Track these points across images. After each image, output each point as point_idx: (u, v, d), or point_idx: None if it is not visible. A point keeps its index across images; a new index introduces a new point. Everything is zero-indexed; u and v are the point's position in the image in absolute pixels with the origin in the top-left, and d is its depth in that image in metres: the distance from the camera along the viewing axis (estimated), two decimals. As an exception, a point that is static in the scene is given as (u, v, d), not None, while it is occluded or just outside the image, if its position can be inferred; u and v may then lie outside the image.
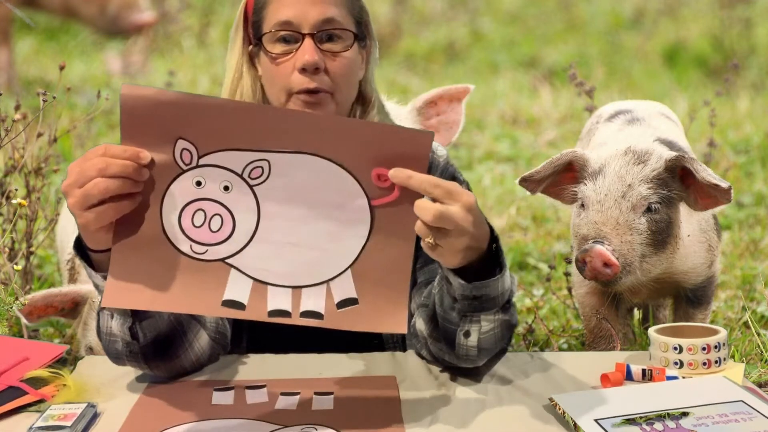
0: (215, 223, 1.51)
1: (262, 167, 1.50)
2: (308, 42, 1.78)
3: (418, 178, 1.48)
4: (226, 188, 1.50)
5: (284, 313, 1.52)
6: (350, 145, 1.49)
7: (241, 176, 1.50)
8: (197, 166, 1.49)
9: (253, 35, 1.85)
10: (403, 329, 1.53)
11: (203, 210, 1.50)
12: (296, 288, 1.52)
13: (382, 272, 1.52)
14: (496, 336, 1.68)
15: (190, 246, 1.51)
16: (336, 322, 1.52)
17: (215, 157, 1.49)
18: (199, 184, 1.50)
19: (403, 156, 1.49)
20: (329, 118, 1.65)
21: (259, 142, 1.49)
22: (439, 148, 1.96)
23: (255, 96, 1.87)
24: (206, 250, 1.51)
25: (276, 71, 1.81)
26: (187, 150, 1.49)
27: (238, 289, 1.51)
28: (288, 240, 1.51)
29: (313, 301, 1.52)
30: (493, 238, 1.59)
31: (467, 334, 1.66)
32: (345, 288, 1.52)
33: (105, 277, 1.57)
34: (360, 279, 1.52)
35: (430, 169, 1.92)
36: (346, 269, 1.52)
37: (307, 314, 1.52)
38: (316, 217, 1.51)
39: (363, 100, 1.91)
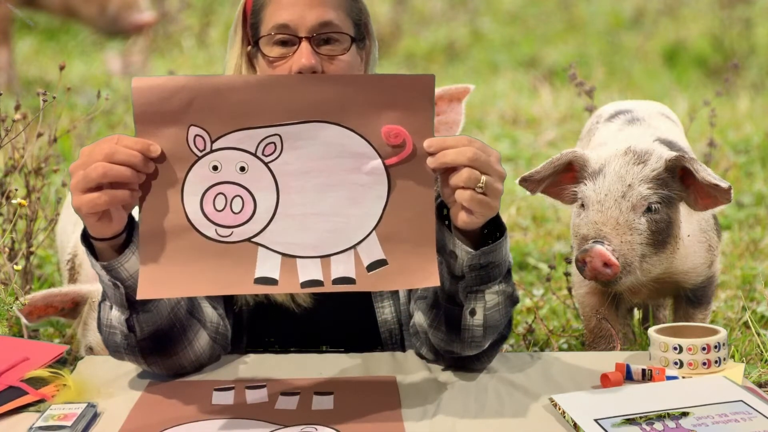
0: (236, 204, 1.52)
1: (274, 143, 1.52)
2: (305, 45, 1.77)
3: (452, 141, 1.52)
4: (242, 169, 1.52)
5: (317, 283, 1.53)
6: (356, 104, 1.51)
7: (255, 155, 1.52)
8: (212, 151, 1.52)
9: (251, 37, 1.85)
10: (435, 281, 1.54)
11: (223, 193, 1.52)
12: (325, 257, 1.53)
13: (406, 229, 1.53)
14: (500, 311, 1.69)
15: (215, 230, 1.53)
16: (368, 285, 1.54)
17: (228, 140, 1.51)
18: (215, 168, 1.52)
19: (409, 104, 1.51)
20: (332, 78, 1.65)
21: (268, 117, 1.51)
22: None
23: None
24: (231, 233, 1.53)
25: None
26: (200, 136, 1.51)
27: (267, 265, 1.53)
28: (310, 211, 1.53)
29: (343, 267, 1.53)
30: None
31: (473, 312, 1.67)
32: (372, 251, 1.53)
33: (104, 267, 1.59)
34: (386, 240, 1.53)
35: None
36: (371, 232, 1.53)
37: (339, 281, 1.53)
38: (334, 184, 1.52)
39: None
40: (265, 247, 1.53)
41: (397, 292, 1.91)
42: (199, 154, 1.52)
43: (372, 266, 1.53)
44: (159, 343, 1.70)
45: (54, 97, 2.41)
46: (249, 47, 1.86)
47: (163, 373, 1.75)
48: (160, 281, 1.52)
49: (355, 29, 1.83)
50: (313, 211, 1.53)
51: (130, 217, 1.59)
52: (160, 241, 1.52)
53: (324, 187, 1.52)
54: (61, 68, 2.58)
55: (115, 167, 1.49)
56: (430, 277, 1.54)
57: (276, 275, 1.52)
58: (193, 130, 1.51)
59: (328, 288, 1.52)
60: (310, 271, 1.53)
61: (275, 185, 1.52)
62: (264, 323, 1.92)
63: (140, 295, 1.53)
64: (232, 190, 1.52)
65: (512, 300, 1.72)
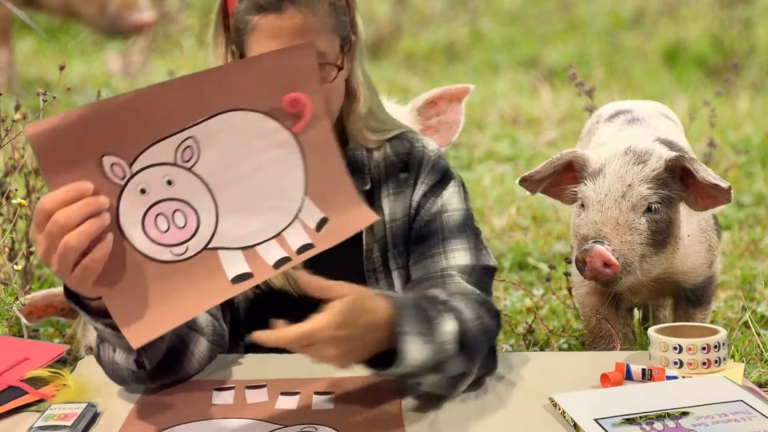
0: (179, 219, 1.49)
1: (190, 146, 1.48)
2: None
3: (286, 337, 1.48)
4: (169, 182, 1.48)
5: (285, 260, 1.53)
6: (251, 86, 1.51)
7: (176, 165, 1.48)
8: (133, 175, 1.46)
9: (236, 48, 1.82)
10: (373, 217, 1.57)
11: (162, 213, 1.48)
12: (278, 235, 1.53)
13: (330, 184, 1.55)
14: (443, 387, 1.64)
15: (170, 251, 1.49)
16: (325, 243, 1.54)
17: (144, 158, 1.46)
18: (143, 191, 1.47)
19: (297, 73, 1.53)
20: (222, 69, 1.58)
21: (176, 122, 1.47)
22: (431, 144, 1.94)
23: None
24: (186, 248, 1.49)
25: None
26: (117, 164, 1.45)
27: (235, 264, 1.51)
28: (247, 198, 1.52)
29: (297, 237, 1.54)
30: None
31: (413, 388, 1.66)
32: (313, 213, 1.54)
33: (106, 324, 1.54)
34: (318, 199, 1.55)
35: (420, 164, 1.91)
36: (304, 197, 1.54)
37: (301, 250, 1.53)
38: (257, 166, 1.52)
39: (348, 96, 1.87)
40: (224, 248, 1.51)
41: (392, 279, 1.90)
42: (122, 182, 1.45)
43: (318, 226, 1.55)
44: (166, 366, 1.70)
45: (54, 97, 2.41)
46: (233, 46, 1.84)
47: (169, 384, 1.74)
48: (146, 324, 1.47)
49: (340, 40, 1.80)
50: (250, 197, 1.52)
51: None
52: (123, 288, 1.47)
53: (249, 172, 1.52)
54: (61, 68, 2.57)
55: (82, 233, 1.40)
56: (367, 217, 1.57)
57: (247, 269, 1.51)
58: (108, 160, 1.44)
59: (297, 259, 1.53)
60: (273, 252, 1.53)
61: (206, 187, 1.50)
62: (263, 314, 1.91)
63: (136, 345, 1.47)
64: (168, 207, 1.48)
65: (458, 379, 1.64)
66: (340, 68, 1.80)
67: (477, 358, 1.65)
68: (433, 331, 1.57)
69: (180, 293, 1.48)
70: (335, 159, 1.56)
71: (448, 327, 1.59)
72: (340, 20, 1.80)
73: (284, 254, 1.53)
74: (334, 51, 1.79)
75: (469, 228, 1.87)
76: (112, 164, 1.45)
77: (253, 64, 1.57)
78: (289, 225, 1.54)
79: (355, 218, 1.57)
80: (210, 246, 1.50)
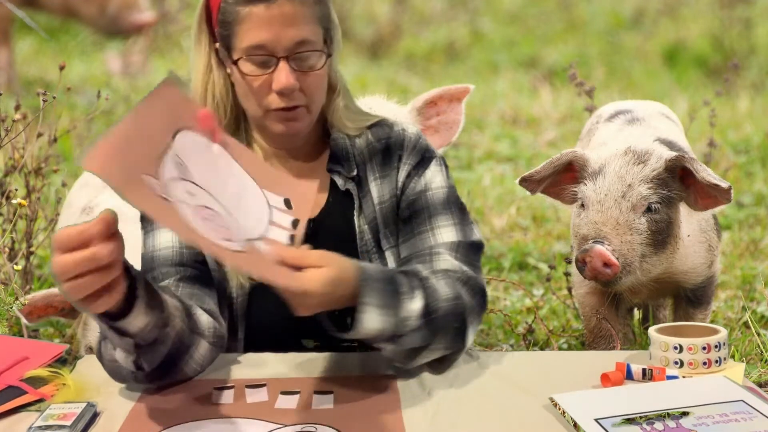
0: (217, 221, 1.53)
1: (179, 162, 1.52)
2: (284, 66, 1.79)
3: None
4: (190, 194, 1.51)
5: (292, 237, 1.60)
6: (171, 114, 1.54)
7: (183, 179, 1.52)
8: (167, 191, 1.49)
9: (221, 41, 1.84)
10: (313, 187, 1.67)
11: (205, 218, 1.52)
12: (270, 221, 1.60)
13: (266, 175, 1.63)
14: (403, 358, 1.73)
15: (236, 244, 1.52)
16: (302, 216, 1.63)
17: (164, 173, 1.48)
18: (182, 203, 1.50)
19: (180, 105, 1.55)
20: (147, 100, 1.57)
21: (162, 141, 1.50)
22: (410, 126, 1.98)
23: (227, 93, 1.87)
24: (235, 243, 1.52)
25: (251, 89, 1.82)
26: (155, 182, 1.46)
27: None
28: (234, 200, 1.58)
29: (282, 217, 1.61)
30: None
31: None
32: (277, 199, 1.62)
33: (111, 327, 1.55)
34: (270, 188, 1.62)
35: (402, 145, 1.94)
36: (262, 189, 1.62)
37: (293, 224, 1.61)
38: (222, 176, 1.58)
39: (328, 88, 1.91)
40: (252, 239, 1.56)
41: (385, 259, 1.91)
42: (168, 198, 1.47)
43: (287, 206, 1.62)
44: (166, 368, 1.70)
45: (54, 97, 2.42)
46: (216, 44, 1.86)
47: (169, 385, 1.74)
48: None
49: (324, 32, 1.84)
50: (234, 199, 1.57)
51: (131, 273, 1.53)
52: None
53: (224, 177, 1.58)
54: (61, 68, 2.58)
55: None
56: (309, 186, 1.67)
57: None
58: (146, 179, 1.45)
59: (297, 233, 1.60)
60: (279, 233, 1.58)
61: (210, 195, 1.54)
62: (260, 306, 1.91)
63: None
64: (205, 213, 1.52)
65: (416, 351, 1.71)
66: (328, 55, 1.85)
67: (441, 336, 1.72)
68: (396, 305, 1.65)
69: (264, 271, 1.52)
70: (252, 155, 1.68)
71: (415, 305, 1.67)
72: (323, 11, 1.85)
73: (286, 233, 1.60)
74: (320, 40, 1.83)
75: (453, 204, 1.91)
76: (152, 182, 1.45)
77: (156, 98, 1.55)
78: (270, 212, 1.61)
79: (301, 192, 1.66)
80: (250, 239, 1.55)
